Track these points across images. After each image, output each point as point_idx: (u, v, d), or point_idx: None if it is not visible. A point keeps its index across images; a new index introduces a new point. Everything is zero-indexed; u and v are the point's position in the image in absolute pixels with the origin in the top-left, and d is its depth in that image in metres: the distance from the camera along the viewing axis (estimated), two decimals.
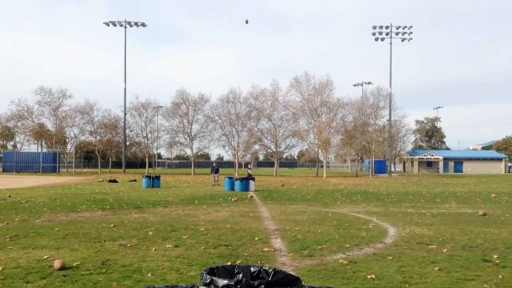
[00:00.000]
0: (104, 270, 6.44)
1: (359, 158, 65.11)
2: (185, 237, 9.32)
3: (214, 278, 2.91)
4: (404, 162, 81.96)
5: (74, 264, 6.76)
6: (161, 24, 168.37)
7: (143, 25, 60.97)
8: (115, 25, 60.47)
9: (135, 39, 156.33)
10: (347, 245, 8.47)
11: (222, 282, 2.81)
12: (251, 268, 3.35)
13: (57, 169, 56.22)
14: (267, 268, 3.24)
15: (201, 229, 10.35)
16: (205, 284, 2.89)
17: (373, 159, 59.58)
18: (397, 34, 59.00)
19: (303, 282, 3.02)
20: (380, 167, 65.56)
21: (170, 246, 8.32)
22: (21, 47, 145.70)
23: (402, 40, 59.17)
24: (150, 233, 9.81)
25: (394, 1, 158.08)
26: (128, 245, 8.40)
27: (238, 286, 2.70)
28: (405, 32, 58.86)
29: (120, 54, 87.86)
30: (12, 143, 70.43)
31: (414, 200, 19.46)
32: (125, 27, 60.46)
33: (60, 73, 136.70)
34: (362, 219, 12.55)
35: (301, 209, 15.06)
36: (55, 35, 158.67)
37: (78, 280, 5.92)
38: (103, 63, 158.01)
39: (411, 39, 58.95)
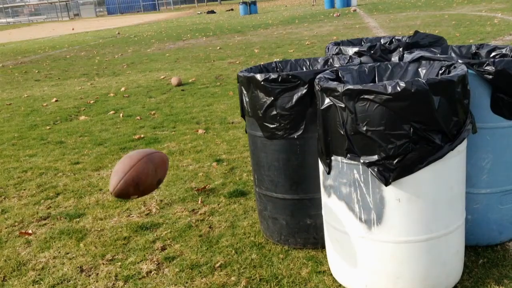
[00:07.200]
0: (219, 83, 6.58)
1: None
2: (291, 51, 9.12)
3: (342, 47, 2.57)
4: None
5: (190, 81, 6.99)
6: None
7: None
8: None
9: None
10: (471, 41, 7.67)
11: (352, 49, 2.44)
12: (382, 40, 2.97)
13: (157, 7, 57.48)
14: (400, 37, 2.85)
15: (306, 43, 10.03)
16: (332, 55, 2.60)
17: None
18: None
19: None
20: None
21: (278, 60, 8.20)
22: None
23: None
24: (256, 51, 9.75)
25: None
26: (237, 62, 8.44)
27: (372, 52, 2.32)
28: None
29: None
30: None
31: None
32: None
33: None
34: (485, 16, 11.21)
35: (412, 15, 13.84)
36: None
37: (196, 92, 6.13)
38: None
39: None
